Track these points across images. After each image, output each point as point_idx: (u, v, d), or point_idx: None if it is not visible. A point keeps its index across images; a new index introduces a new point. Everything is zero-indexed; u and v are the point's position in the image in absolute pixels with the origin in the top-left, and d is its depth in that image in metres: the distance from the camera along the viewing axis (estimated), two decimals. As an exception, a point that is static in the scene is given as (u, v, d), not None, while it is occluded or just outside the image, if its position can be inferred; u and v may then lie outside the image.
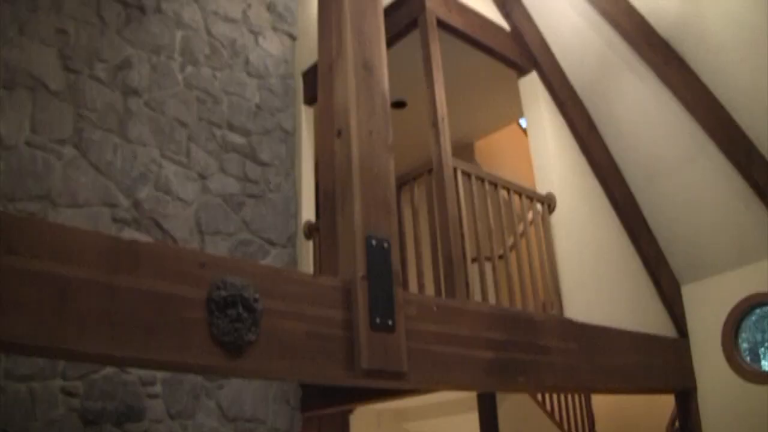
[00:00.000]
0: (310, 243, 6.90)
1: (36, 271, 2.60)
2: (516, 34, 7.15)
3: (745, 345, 6.44)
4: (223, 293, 3.12)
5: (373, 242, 3.78)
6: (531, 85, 7.18)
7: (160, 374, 5.75)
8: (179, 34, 6.87)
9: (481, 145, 9.81)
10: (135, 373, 5.62)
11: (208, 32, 7.11)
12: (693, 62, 6.21)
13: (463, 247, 5.53)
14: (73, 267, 2.72)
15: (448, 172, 5.63)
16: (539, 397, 8.65)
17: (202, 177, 6.46)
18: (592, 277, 6.61)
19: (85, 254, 2.78)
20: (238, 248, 6.43)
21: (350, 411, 8.06)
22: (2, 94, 5.60)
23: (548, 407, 8.81)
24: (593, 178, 7.18)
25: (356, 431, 8.27)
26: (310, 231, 6.89)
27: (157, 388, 5.75)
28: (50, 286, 2.61)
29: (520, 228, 6.55)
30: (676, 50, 6.25)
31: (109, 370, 5.49)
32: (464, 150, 9.40)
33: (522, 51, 7.14)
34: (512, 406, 7.95)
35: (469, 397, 7.72)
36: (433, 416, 9.05)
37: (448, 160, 5.69)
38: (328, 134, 4.09)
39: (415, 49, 6.29)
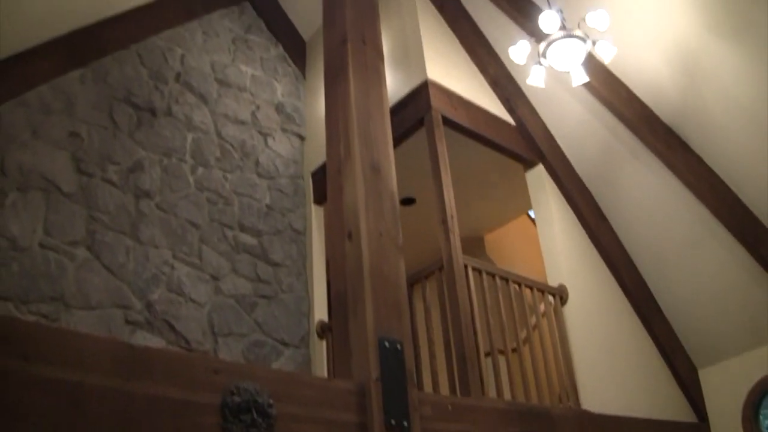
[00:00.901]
0: (324, 342, 6.84)
1: (50, 378, 2.60)
2: (521, 128, 7.24)
3: (767, 422, 6.35)
4: (237, 399, 3.12)
5: (386, 344, 3.78)
6: (538, 178, 7.23)
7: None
8: (190, 136, 6.97)
9: (491, 238, 9.83)
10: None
11: (219, 134, 7.21)
12: (696, 146, 6.27)
13: (477, 343, 5.52)
14: (87, 373, 2.72)
15: (459, 270, 5.65)
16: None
17: (215, 278, 6.47)
18: (607, 366, 6.55)
19: (98, 361, 2.78)
20: (251, 349, 6.40)
21: None
22: (16, 196, 5.68)
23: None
24: (603, 266, 7.19)
25: None
26: (323, 330, 6.83)
27: (171, 494, 5.69)
28: (64, 392, 2.61)
29: (533, 320, 6.53)
30: (679, 135, 6.32)
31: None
32: (474, 244, 9.41)
33: (528, 144, 7.22)
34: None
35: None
36: None
37: (459, 257, 5.72)
38: (339, 236, 4.12)
39: (422, 146, 6.37)
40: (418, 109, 6.50)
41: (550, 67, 5.86)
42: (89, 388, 2.69)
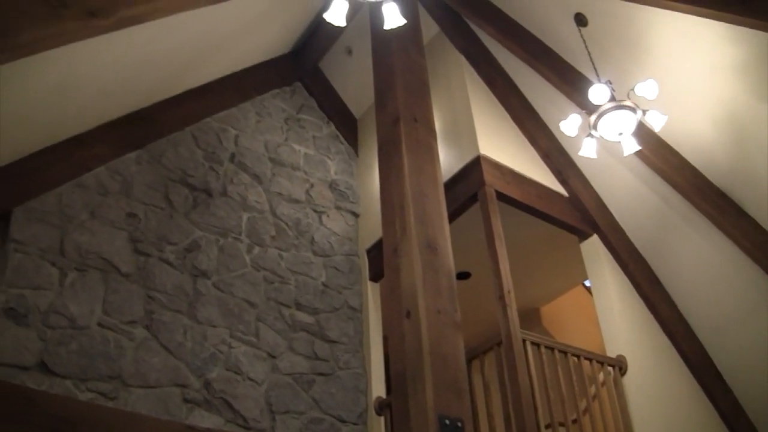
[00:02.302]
0: (381, 419, 6.79)
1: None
2: (574, 200, 7.23)
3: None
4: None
5: (447, 422, 3.76)
6: (593, 249, 7.21)
7: None
8: (245, 216, 7.06)
9: (546, 309, 9.77)
10: None
11: (274, 213, 7.30)
12: (750, 209, 6.25)
13: (537, 418, 5.46)
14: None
15: (517, 345, 5.62)
16: None
17: (272, 356, 6.49)
18: (669, 436, 6.45)
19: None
20: (308, 427, 6.36)
21: None
22: (75, 277, 5.79)
23: None
24: (662, 335, 7.11)
25: None
26: (381, 407, 6.79)
27: None
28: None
29: (592, 391, 6.46)
30: (732, 198, 6.30)
31: None
32: (530, 316, 9.36)
33: (581, 215, 7.21)
34: None
35: None
36: None
37: (517, 332, 5.69)
38: (397, 315, 4.13)
39: (475, 221, 6.39)
40: (471, 185, 6.55)
41: (601, 137, 5.89)
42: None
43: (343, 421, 6.62)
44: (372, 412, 6.82)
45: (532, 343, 5.87)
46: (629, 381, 6.49)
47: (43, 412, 2.52)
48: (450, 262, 4.31)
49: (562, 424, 6.01)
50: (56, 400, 2.52)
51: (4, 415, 2.40)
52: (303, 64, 8.57)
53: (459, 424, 3.83)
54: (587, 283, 9.66)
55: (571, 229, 7.24)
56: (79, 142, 6.30)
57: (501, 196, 6.53)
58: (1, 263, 5.56)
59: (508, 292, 5.86)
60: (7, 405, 2.43)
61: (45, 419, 2.52)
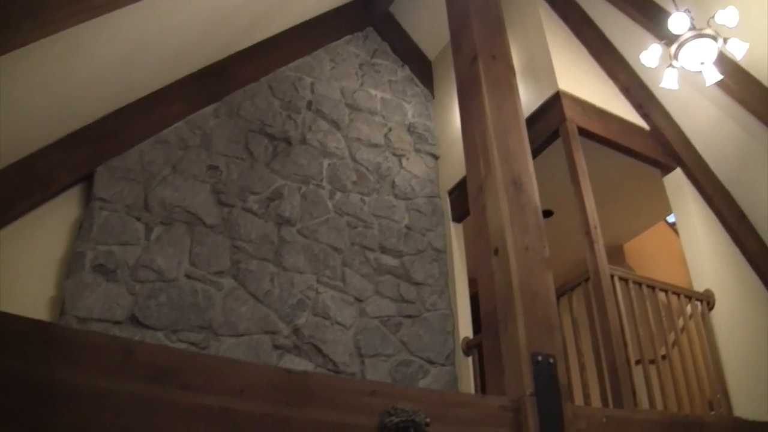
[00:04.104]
0: (470, 359, 6.84)
1: (208, 407, 2.65)
2: (656, 133, 7.12)
3: None
4: (395, 419, 3.13)
5: (539, 358, 3.76)
6: (676, 182, 7.10)
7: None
8: (326, 162, 7.10)
9: (630, 247, 9.68)
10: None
11: (353, 158, 7.32)
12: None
13: (627, 354, 5.43)
14: (246, 401, 2.77)
15: (605, 280, 5.59)
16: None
17: (359, 300, 6.55)
18: (758, 372, 6.34)
19: (257, 388, 2.83)
20: (398, 369, 6.43)
21: None
22: (161, 231, 5.91)
23: None
24: (749, 269, 6.99)
25: None
26: (468, 348, 6.83)
27: None
28: (223, 421, 2.66)
29: (680, 323, 6.39)
30: (817, 126, 6.13)
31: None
32: (614, 253, 9.28)
33: (664, 149, 7.10)
34: None
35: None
36: None
37: (605, 267, 5.65)
38: (484, 253, 4.11)
39: (556, 158, 6.33)
40: (552, 121, 6.48)
41: (681, 68, 5.77)
42: (248, 415, 2.74)
43: (431, 363, 6.67)
44: (459, 352, 6.87)
45: (620, 279, 5.82)
46: (716, 316, 6.41)
47: (141, 362, 2.54)
48: (536, 197, 4.27)
49: (652, 361, 5.97)
50: (154, 350, 2.55)
51: (103, 367, 2.43)
52: (374, 9, 8.54)
53: (551, 361, 3.82)
54: (670, 220, 9.54)
55: (653, 163, 7.14)
56: (156, 99, 6.37)
57: (582, 132, 6.45)
58: (87, 221, 5.68)
59: (595, 227, 5.81)
60: (105, 357, 2.46)
61: (144, 369, 2.54)
